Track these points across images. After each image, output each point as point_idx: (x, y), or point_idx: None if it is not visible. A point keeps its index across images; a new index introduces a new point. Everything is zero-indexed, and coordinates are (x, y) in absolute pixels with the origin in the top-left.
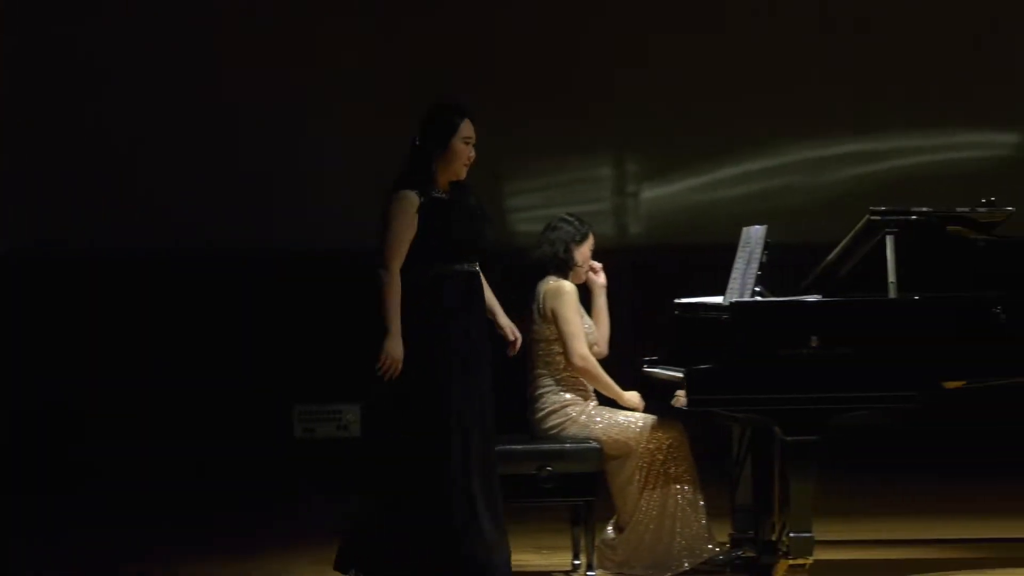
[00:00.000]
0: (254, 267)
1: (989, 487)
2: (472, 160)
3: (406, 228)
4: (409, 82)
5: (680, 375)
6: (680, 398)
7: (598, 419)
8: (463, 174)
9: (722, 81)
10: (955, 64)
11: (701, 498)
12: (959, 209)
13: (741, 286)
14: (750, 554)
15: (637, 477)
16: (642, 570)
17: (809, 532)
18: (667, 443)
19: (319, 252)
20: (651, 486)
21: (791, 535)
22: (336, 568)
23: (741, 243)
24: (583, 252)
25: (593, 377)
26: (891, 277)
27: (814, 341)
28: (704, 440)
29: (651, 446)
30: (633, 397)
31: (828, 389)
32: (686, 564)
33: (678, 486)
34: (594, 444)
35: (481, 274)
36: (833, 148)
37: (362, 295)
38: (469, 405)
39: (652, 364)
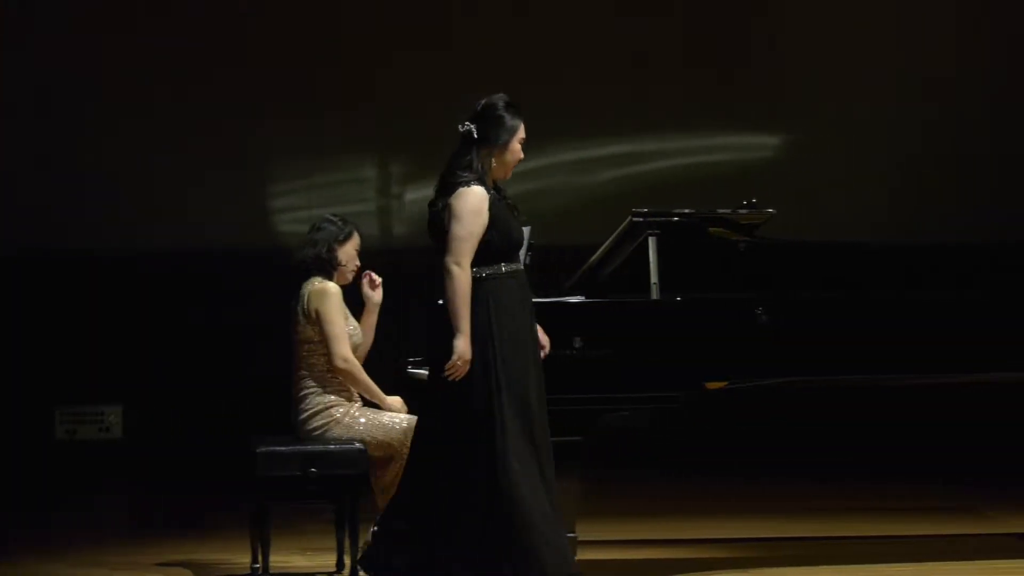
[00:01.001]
0: (16, 269)
1: (757, 488)
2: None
3: (481, 225)
4: (185, 80)
5: None
6: None
7: (362, 420)
8: (510, 175)
9: (486, 82)
10: (718, 67)
11: None
12: (720, 210)
13: None
14: None
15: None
16: None
17: (572, 532)
18: None
19: (80, 254)
20: None
21: None
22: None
23: None
24: (347, 251)
25: (355, 380)
26: (653, 278)
27: (577, 342)
28: None
29: None
30: (395, 402)
31: (591, 390)
32: None
33: None
34: (359, 445)
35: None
36: (597, 149)
37: (126, 296)
38: (533, 404)
39: (416, 365)
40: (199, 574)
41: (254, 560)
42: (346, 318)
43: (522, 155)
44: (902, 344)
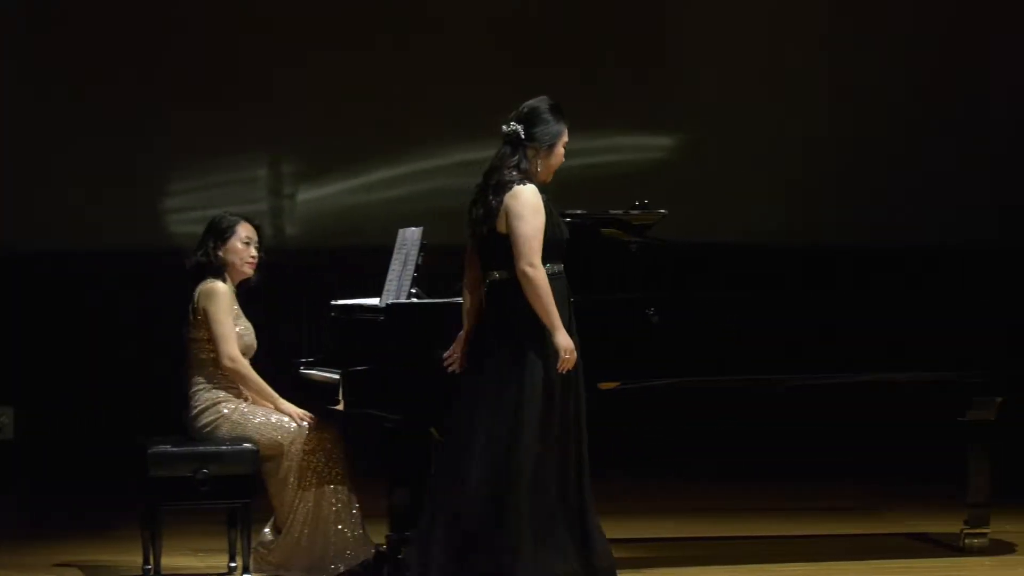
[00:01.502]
0: None
1: (654, 487)
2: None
3: (542, 222)
4: (68, 81)
5: (337, 377)
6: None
7: (252, 418)
8: (550, 179)
9: (378, 83)
10: (611, 68)
11: (355, 500)
12: (613, 211)
13: (397, 288)
14: None
15: (291, 479)
16: (298, 573)
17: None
18: (323, 445)
19: None
20: (306, 488)
21: None
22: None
23: (397, 245)
24: (232, 248)
25: (243, 379)
26: None
27: None
28: (362, 441)
29: (306, 447)
30: (291, 409)
31: None
32: (341, 567)
33: (333, 488)
34: (250, 446)
35: None
36: (489, 150)
37: (15, 297)
38: (579, 407)
39: (310, 366)
40: (92, 575)
41: (146, 561)
42: (236, 318)
43: (563, 159)
44: (795, 344)
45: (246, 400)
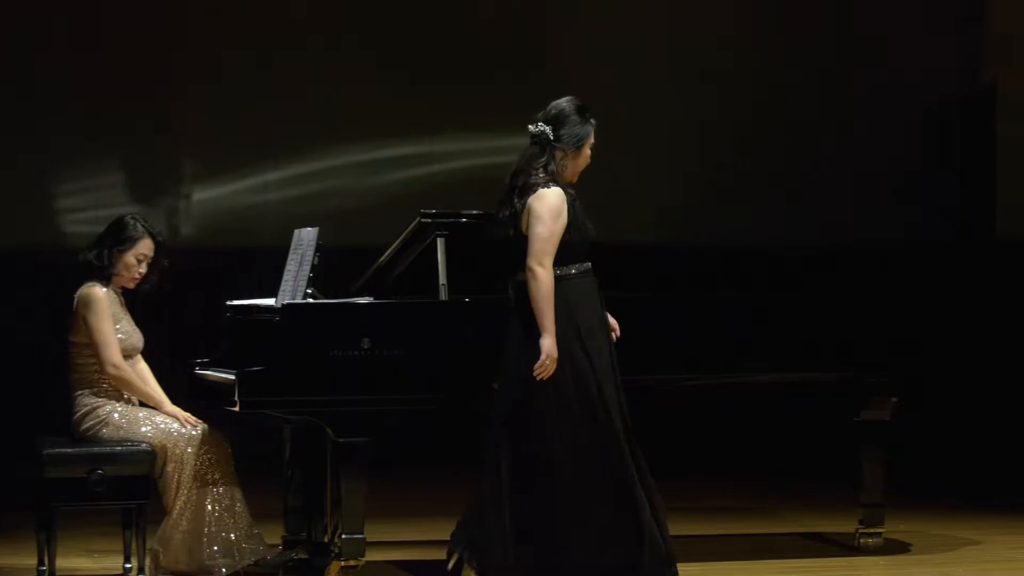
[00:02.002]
0: None
1: None
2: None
3: (562, 225)
4: None
5: (232, 377)
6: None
7: (134, 421)
8: (576, 179)
9: (273, 84)
10: (505, 67)
11: (241, 501)
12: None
13: (293, 288)
14: (303, 556)
15: (175, 481)
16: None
17: (361, 533)
18: (208, 447)
19: None
20: (190, 489)
21: (343, 536)
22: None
23: (293, 245)
24: (127, 260)
25: (127, 384)
26: (442, 279)
27: (366, 343)
28: (257, 441)
29: (191, 450)
30: (180, 413)
31: (380, 391)
32: (224, 570)
33: (217, 490)
34: (145, 446)
35: None
36: (385, 151)
37: None
38: (614, 394)
39: (205, 366)
40: None
41: (40, 562)
42: (117, 322)
43: (590, 160)
44: (692, 344)
45: (129, 402)
